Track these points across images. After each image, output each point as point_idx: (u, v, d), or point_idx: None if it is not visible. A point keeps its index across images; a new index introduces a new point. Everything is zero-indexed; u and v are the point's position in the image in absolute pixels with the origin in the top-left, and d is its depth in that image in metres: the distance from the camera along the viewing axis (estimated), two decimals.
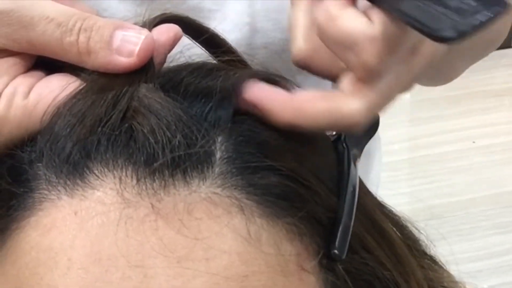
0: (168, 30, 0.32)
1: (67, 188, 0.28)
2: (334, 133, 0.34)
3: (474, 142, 2.12)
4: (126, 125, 0.29)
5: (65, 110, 0.30)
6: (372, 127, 0.35)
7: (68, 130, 0.29)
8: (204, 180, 0.28)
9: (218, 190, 0.28)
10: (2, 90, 0.30)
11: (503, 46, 2.89)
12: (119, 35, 0.31)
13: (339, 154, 0.33)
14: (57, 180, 0.28)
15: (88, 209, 0.28)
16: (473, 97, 2.40)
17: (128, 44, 0.30)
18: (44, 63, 0.32)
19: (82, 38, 0.30)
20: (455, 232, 1.69)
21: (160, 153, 0.28)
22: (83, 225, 0.27)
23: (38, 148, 0.30)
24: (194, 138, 0.28)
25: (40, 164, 0.29)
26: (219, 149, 0.29)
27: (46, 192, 0.29)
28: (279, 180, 0.29)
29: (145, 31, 0.31)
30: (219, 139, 0.29)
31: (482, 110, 2.31)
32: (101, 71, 0.31)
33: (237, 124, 0.30)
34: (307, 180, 0.30)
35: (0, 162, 0.31)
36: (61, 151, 0.29)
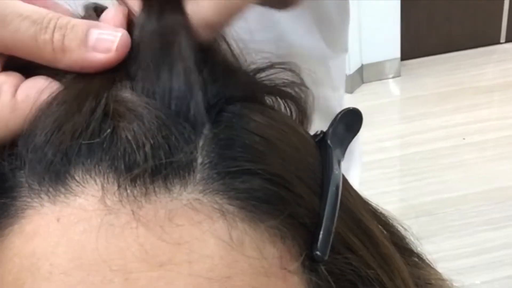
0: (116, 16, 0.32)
1: (49, 195, 0.28)
2: (318, 132, 0.34)
3: (464, 138, 2.12)
4: (108, 130, 0.28)
5: (44, 116, 0.30)
6: (355, 125, 0.35)
7: (48, 136, 0.29)
8: (186, 186, 0.28)
9: (200, 196, 0.28)
10: None
11: (493, 42, 2.91)
12: (94, 33, 0.30)
13: (323, 154, 0.33)
14: (39, 188, 0.28)
15: (70, 216, 0.28)
16: (463, 94, 2.42)
17: (104, 41, 0.30)
18: (14, 67, 0.31)
19: (57, 36, 0.30)
20: (447, 228, 1.69)
21: (141, 160, 0.28)
22: (65, 232, 0.28)
23: (19, 155, 0.30)
24: (176, 143, 0.28)
25: (22, 172, 0.29)
26: (201, 154, 0.29)
27: (29, 199, 0.29)
28: (260, 184, 0.29)
29: (120, 29, 0.31)
30: (201, 143, 0.29)
31: (473, 107, 2.32)
32: (76, 70, 0.31)
33: (219, 126, 0.30)
34: (290, 182, 0.30)
35: None
36: (42, 158, 0.29)
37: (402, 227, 0.36)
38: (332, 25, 0.57)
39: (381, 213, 0.36)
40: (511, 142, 2.09)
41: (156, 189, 0.28)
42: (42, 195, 0.28)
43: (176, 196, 0.28)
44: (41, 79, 0.31)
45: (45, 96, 0.30)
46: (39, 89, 0.30)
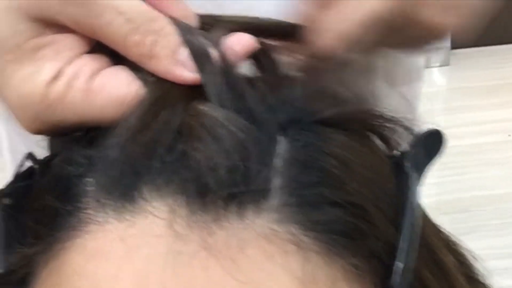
0: (243, 42, 0.31)
1: (116, 211, 0.27)
2: (396, 152, 0.32)
3: (509, 135, 2.08)
4: (181, 147, 0.27)
5: (120, 124, 0.28)
6: (436, 149, 0.33)
7: (121, 146, 0.28)
8: (260, 213, 0.26)
9: (274, 225, 0.26)
10: (63, 67, 0.29)
11: None
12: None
13: (400, 178, 0.31)
14: (106, 201, 0.27)
15: (135, 237, 0.26)
16: (509, 89, 2.34)
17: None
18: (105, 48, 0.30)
19: (148, 40, 0.29)
20: (482, 227, 1.65)
21: (215, 184, 0.26)
22: (129, 255, 0.26)
23: (88, 161, 0.28)
24: (253, 166, 0.27)
25: (88, 180, 0.28)
26: (277, 177, 0.27)
27: (93, 213, 0.27)
28: (339, 215, 0.27)
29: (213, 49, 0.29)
30: (277, 165, 0.27)
31: None
32: (159, 76, 0.29)
33: (296, 146, 0.28)
34: (369, 213, 0.28)
35: (44, 173, 0.30)
36: (112, 168, 0.27)
37: (473, 257, 0.34)
38: None
39: (452, 241, 0.34)
40: None
41: (229, 215, 0.26)
42: (108, 210, 0.27)
43: (249, 223, 0.26)
44: (123, 72, 0.30)
45: (121, 91, 0.29)
46: (118, 84, 0.29)
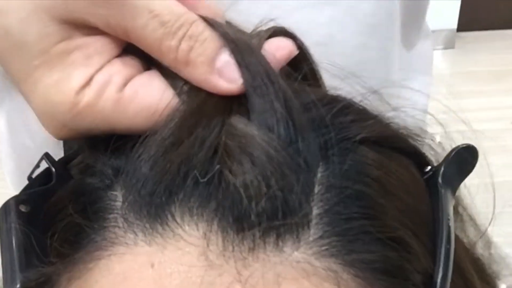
0: (283, 47, 0.29)
1: (145, 232, 0.25)
2: (428, 169, 0.31)
3: None
4: (217, 167, 0.25)
5: (152, 137, 0.26)
6: (469, 166, 0.32)
7: (153, 162, 0.26)
8: (298, 244, 0.25)
9: (313, 259, 0.25)
10: (95, 74, 0.27)
11: None
12: (225, 56, 0.28)
13: (433, 198, 0.30)
14: (135, 221, 0.25)
15: (166, 264, 0.25)
16: None
17: (233, 69, 0.27)
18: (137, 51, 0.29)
19: (184, 46, 0.27)
20: (480, 214, 1.63)
21: (253, 213, 0.24)
22: (159, 283, 0.24)
23: (117, 174, 0.27)
24: (293, 196, 0.25)
25: (116, 194, 0.26)
26: (316, 206, 0.25)
27: (121, 232, 0.26)
28: (381, 252, 0.26)
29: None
30: (316, 191, 0.26)
31: None
32: (193, 84, 0.28)
33: (334, 171, 0.27)
34: (410, 246, 0.27)
35: (63, 179, 0.29)
36: (143, 186, 0.26)
37: (496, 276, 0.35)
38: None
39: (480, 262, 0.34)
40: None
41: (266, 245, 0.25)
42: (137, 231, 0.26)
43: (286, 256, 0.25)
44: (156, 80, 0.28)
45: (154, 100, 0.27)
46: (151, 92, 0.28)
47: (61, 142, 0.33)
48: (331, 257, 0.25)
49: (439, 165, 0.30)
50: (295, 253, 0.24)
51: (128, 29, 0.27)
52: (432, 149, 0.33)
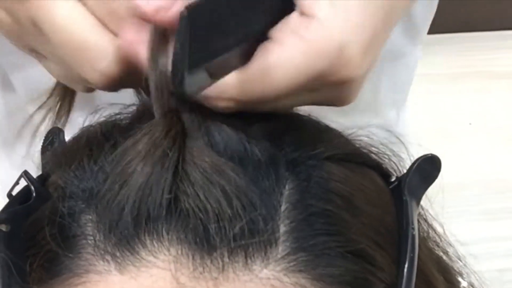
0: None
1: (117, 260, 0.26)
2: (393, 179, 0.32)
3: (470, 124, 2.08)
4: (179, 192, 0.26)
5: (116, 158, 0.27)
6: (431, 175, 0.33)
7: (117, 187, 0.26)
8: (267, 262, 0.26)
9: (281, 275, 0.25)
10: None
11: (509, 27, 2.85)
12: None
13: (398, 207, 0.31)
14: (106, 248, 0.26)
15: None
16: (474, 77, 2.35)
17: None
18: None
19: None
20: (439, 215, 1.66)
21: (220, 233, 0.25)
22: None
23: (91, 195, 0.27)
24: (259, 213, 0.26)
25: (89, 218, 0.27)
26: (282, 223, 0.26)
27: (93, 259, 0.26)
28: (346, 265, 0.27)
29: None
30: (283, 210, 0.27)
31: (482, 92, 2.26)
32: None
33: (299, 187, 0.27)
34: (374, 259, 0.28)
35: (42, 199, 0.29)
36: (112, 212, 0.26)
37: (461, 275, 0.36)
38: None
39: (444, 263, 0.35)
40: None
41: (236, 265, 0.25)
42: (109, 259, 0.26)
43: (256, 273, 0.25)
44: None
45: None
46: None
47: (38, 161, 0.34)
48: (300, 273, 0.26)
49: (404, 176, 0.31)
50: (264, 270, 0.25)
51: None
52: (393, 161, 0.34)
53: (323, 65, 0.27)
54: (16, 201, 0.29)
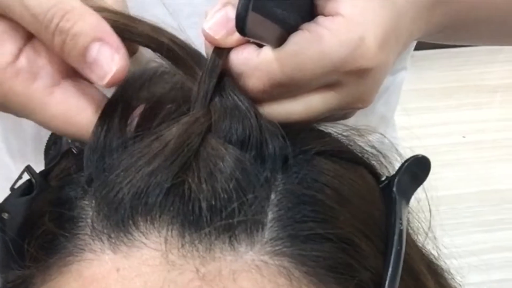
0: None
1: (111, 241, 0.27)
2: (384, 178, 0.33)
3: (464, 137, 2.09)
4: (179, 179, 0.27)
5: (125, 150, 0.29)
6: (421, 175, 0.34)
7: (122, 175, 0.28)
8: (253, 245, 0.27)
9: (266, 258, 0.27)
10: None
11: None
12: (94, 49, 0.28)
13: (387, 204, 0.32)
14: (102, 230, 0.28)
15: (131, 268, 0.27)
16: (467, 91, 2.37)
17: (101, 64, 0.28)
18: None
19: (57, 40, 0.28)
20: (439, 227, 1.66)
21: (209, 217, 0.27)
22: (124, 284, 0.26)
23: (90, 181, 0.29)
24: (247, 200, 0.27)
25: (88, 203, 0.28)
26: (271, 210, 0.28)
27: (90, 240, 0.28)
28: (331, 250, 0.28)
29: (121, 49, 0.28)
30: (272, 197, 0.28)
31: (475, 105, 2.28)
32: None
33: (290, 178, 0.29)
34: (359, 246, 0.29)
35: (43, 189, 0.30)
36: (111, 197, 0.28)
37: (453, 278, 0.36)
38: None
39: (434, 263, 0.36)
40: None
41: (222, 245, 0.26)
42: (104, 240, 0.27)
43: (241, 255, 0.26)
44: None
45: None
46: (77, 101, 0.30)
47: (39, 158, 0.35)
48: (284, 256, 0.27)
49: (393, 175, 0.33)
50: (250, 252, 0.27)
51: (16, 20, 0.28)
52: (385, 165, 0.35)
53: (345, 53, 0.30)
54: (18, 193, 0.31)
